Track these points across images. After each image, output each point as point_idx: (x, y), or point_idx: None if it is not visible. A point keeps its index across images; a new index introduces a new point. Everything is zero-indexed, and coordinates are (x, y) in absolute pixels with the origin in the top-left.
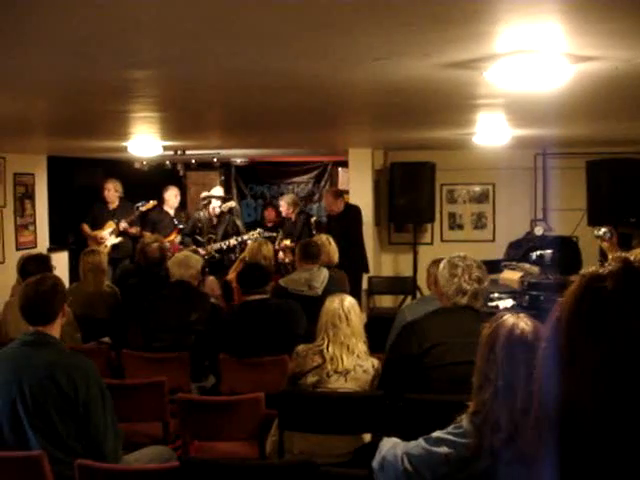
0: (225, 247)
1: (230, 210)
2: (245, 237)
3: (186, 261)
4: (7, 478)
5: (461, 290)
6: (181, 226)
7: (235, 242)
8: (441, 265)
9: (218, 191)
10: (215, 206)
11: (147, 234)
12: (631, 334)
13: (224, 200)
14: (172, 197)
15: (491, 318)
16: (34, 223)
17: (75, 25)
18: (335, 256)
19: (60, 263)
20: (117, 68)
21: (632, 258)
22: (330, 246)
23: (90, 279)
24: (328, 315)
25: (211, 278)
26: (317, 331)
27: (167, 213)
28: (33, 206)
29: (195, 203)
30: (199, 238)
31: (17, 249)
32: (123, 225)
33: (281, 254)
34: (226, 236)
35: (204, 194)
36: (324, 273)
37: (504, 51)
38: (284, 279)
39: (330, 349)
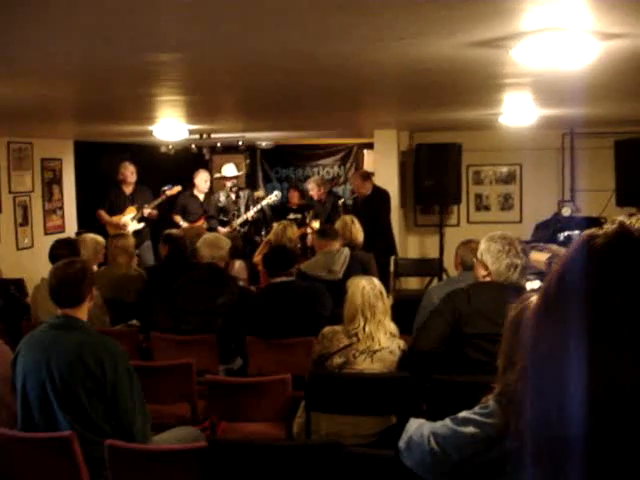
0: (249, 218)
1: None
2: (264, 203)
3: (217, 242)
4: (38, 459)
5: (513, 265)
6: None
7: (255, 210)
8: (482, 246)
9: (230, 170)
10: (231, 186)
11: (178, 217)
12: (603, 294)
13: (237, 178)
14: (202, 182)
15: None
16: (62, 208)
17: (98, 8)
18: (359, 236)
19: None
20: (141, 51)
21: (628, 221)
22: (354, 226)
23: (119, 262)
24: (364, 296)
25: (238, 262)
26: (348, 314)
27: (197, 198)
28: (61, 191)
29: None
30: (223, 218)
31: (45, 234)
32: (147, 211)
33: (310, 238)
34: (248, 209)
35: (216, 175)
36: (344, 254)
37: (531, 29)
38: (304, 264)
39: (367, 329)
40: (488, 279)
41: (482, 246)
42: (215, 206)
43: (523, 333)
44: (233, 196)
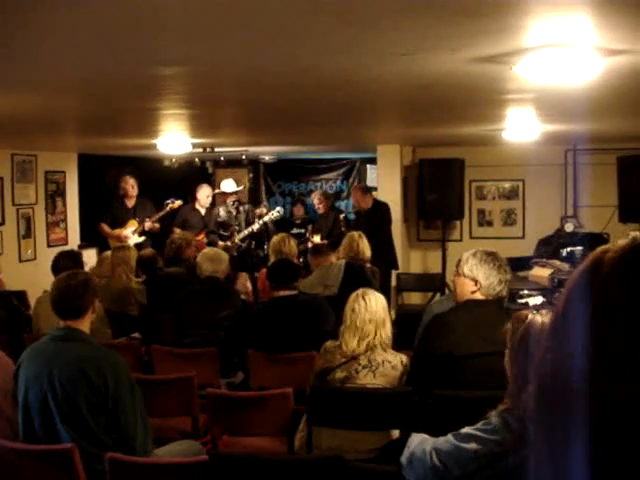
0: (249, 233)
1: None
2: (266, 218)
3: (217, 256)
4: (39, 471)
5: (504, 280)
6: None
7: (257, 225)
8: (470, 262)
9: (229, 185)
10: (229, 202)
11: (177, 230)
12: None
13: (237, 194)
14: (204, 196)
15: (515, 313)
16: (65, 220)
17: (102, 22)
18: (367, 251)
19: (91, 260)
20: (144, 65)
21: None
22: (361, 240)
23: (119, 274)
24: (364, 310)
25: (244, 275)
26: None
27: (198, 212)
28: (64, 203)
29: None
30: (223, 233)
31: (48, 246)
32: (148, 225)
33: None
34: (248, 224)
35: (216, 191)
36: (338, 266)
37: (534, 45)
38: (301, 282)
39: (346, 335)
40: (478, 295)
41: (470, 261)
42: (215, 221)
43: (534, 351)
44: (233, 211)
